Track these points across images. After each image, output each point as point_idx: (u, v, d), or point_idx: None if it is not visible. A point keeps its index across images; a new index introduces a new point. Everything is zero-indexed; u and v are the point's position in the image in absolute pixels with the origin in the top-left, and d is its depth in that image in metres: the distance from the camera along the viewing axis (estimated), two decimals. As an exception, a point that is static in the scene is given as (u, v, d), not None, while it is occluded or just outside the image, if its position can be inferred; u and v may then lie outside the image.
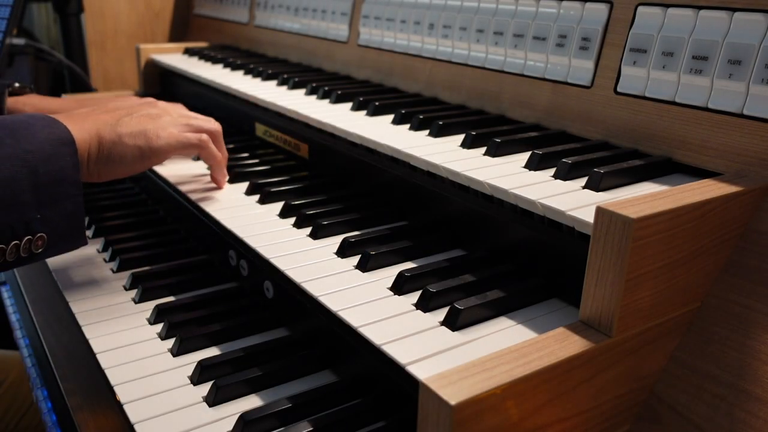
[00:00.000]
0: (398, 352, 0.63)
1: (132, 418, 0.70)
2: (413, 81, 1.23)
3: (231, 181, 1.10)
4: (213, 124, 1.02)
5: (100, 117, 0.90)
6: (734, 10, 0.76)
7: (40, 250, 0.79)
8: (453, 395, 0.50)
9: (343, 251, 0.84)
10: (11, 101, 1.13)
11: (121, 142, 0.88)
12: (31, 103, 1.14)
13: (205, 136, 0.98)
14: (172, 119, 0.96)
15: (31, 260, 0.79)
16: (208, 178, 1.10)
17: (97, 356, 0.81)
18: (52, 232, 0.80)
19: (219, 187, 1.07)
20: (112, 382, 0.76)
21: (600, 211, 0.60)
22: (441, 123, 0.97)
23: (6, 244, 0.76)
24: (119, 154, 0.88)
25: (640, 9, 0.86)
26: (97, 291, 0.96)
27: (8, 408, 1.24)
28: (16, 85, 1.16)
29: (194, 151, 0.98)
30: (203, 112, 1.54)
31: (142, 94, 1.78)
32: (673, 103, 0.81)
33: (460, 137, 0.95)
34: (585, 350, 0.58)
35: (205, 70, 1.53)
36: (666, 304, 0.64)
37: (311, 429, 0.68)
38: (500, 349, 0.57)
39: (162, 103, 1.01)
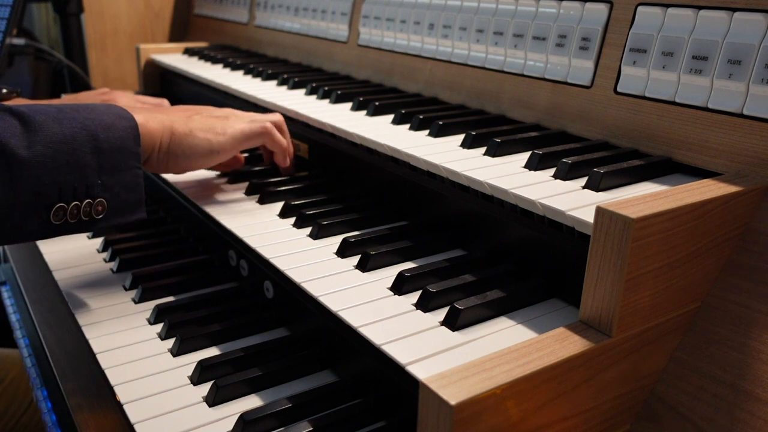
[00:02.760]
0: (398, 352, 0.62)
1: (132, 418, 0.70)
2: (413, 81, 1.23)
3: (231, 182, 1.10)
4: (276, 116, 1.07)
5: (173, 113, 0.96)
6: (734, 10, 0.76)
7: (100, 216, 0.81)
8: (453, 395, 0.50)
9: (343, 251, 0.84)
10: None
11: (193, 135, 0.94)
12: None
13: (269, 125, 1.03)
14: (238, 118, 1.02)
15: (91, 226, 0.82)
16: (209, 179, 1.10)
17: (97, 356, 0.80)
18: (112, 199, 0.82)
19: (282, 168, 1.11)
20: (112, 382, 0.76)
21: (600, 211, 0.60)
22: (441, 123, 0.97)
23: (67, 204, 0.78)
24: (190, 145, 0.93)
25: (640, 9, 0.86)
26: (97, 291, 0.96)
27: (8, 407, 1.24)
28: (4, 90, 1.17)
29: (260, 140, 1.02)
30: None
31: (142, 94, 1.78)
32: (673, 103, 0.81)
33: (460, 137, 0.95)
34: (585, 350, 0.58)
35: (205, 70, 1.53)
36: (666, 304, 0.64)
37: (311, 429, 0.68)
38: (500, 349, 0.57)
39: (227, 109, 1.06)
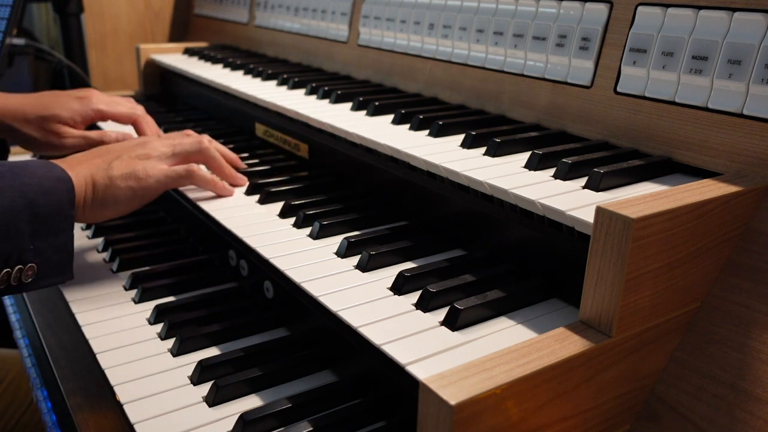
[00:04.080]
0: (398, 352, 0.62)
1: (132, 418, 0.70)
2: (413, 81, 1.23)
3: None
4: (201, 144, 1.01)
5: (92, 162, 0.93)
6: (734, 10, 0.76)
7: (29, 280, 0.81)
8: (453, 395, 0.50)
9: (342, 251, 0.84)
10: None
11: (115, 185, 0.91)
12: None
13: (193, 166, 0.99)
14: (161, 154, 0.97)
15: (20, 290, 0.82)
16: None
17: (97, 356, 0.81)
18: (42, 263, 0.82)
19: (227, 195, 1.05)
20: (112, 382, 0.76)
21: (600, 211, 0.60)
22: (441, 123, 0.97)
23: None
24: (113, 196, 0.91)
25: (640, 9, 0.86)
26: (97, 291, 0.96)
27: (8, 406, 1.24)
28: None
29: (186, 182, 0.99)
30: (203, 112, 1.54)
31: (143, 93, 1.78)
32: (673, 103, 0.81)
33: (460, 137, 0.95)
34: (585, 350, 0.58)
35: (205, 70, 1.53)
36: (666, 304, 0.64)
37: (311, 429, 0.68)
38: (500, 349, 0.57)
39: (150, 140, 1.00)
